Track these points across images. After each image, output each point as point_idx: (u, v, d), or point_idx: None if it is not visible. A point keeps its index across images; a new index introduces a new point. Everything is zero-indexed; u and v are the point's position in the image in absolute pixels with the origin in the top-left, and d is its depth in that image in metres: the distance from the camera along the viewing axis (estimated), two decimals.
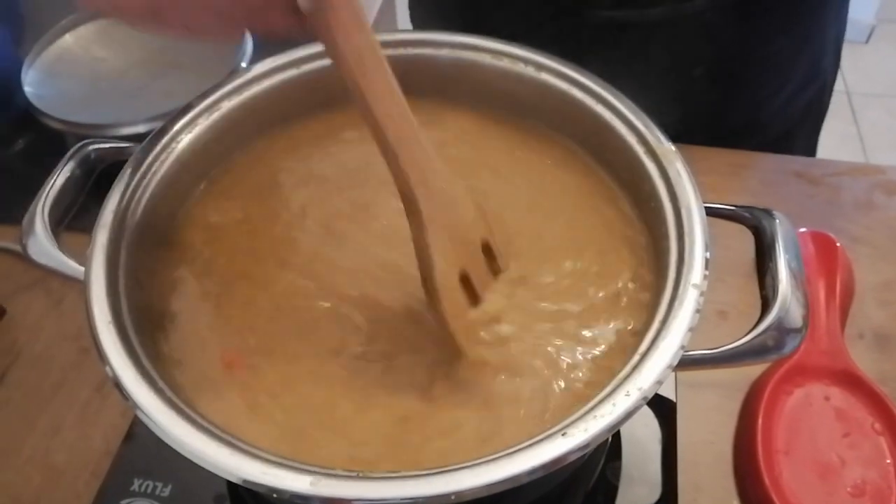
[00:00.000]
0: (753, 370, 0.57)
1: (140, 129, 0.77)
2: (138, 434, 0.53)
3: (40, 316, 0.65)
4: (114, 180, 0.43)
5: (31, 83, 0.82)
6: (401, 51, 0.50)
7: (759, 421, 0.53)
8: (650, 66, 0.71)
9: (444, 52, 0.50)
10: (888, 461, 0.52)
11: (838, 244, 0.62)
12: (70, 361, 0.62)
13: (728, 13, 0.68)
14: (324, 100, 0.51)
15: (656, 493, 0.51)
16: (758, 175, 0.71)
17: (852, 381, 0.55)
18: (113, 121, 0.78)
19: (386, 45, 0.50)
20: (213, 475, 0.33)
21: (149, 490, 0.49)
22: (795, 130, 0.83)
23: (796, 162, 0.73)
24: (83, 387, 0.60)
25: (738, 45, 0.72)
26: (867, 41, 2.23)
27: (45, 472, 0.56)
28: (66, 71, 0.85)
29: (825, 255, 0.61)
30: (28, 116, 0.79)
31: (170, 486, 0.49)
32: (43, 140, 0.81)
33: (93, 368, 0.61)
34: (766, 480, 0.50)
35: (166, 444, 0.33)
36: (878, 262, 0.64)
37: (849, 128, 2.00)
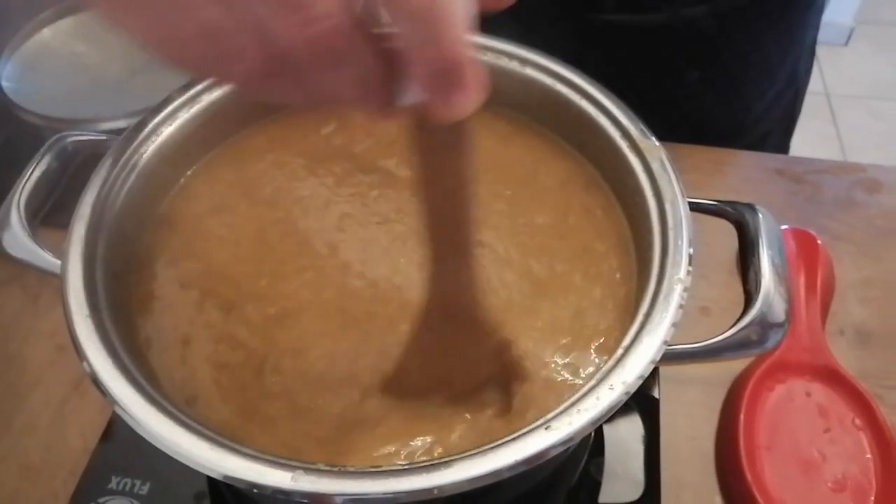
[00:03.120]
0: (735, 366, 0.58)
1: (120, 124, 0.76)
2: (116, 431, 0.52)
3: (16, 312, 0.64)
4: (91, 173, 0.42)
5: (9, 77, 0.81)
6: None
7: (741, 417, 0.53)
8: (647, 69, 0.71)
9: None
10: (868, 456, 0.53)
11: (819, 241, 0.62)
12: (47, 359, 0.61)
13: (726, 19, 0.69)
14: None
15: (639, 489, 0.51)
16: (740, 172, 0.71)
17: (833, 378, 0.56)
18: (92, 116, 0.77)
19: None
20: (192, 472, 0.32)
21: (127, 488, 0.48)
22: (772, 133, 0.83)
23: (778, 160, 0.73)
24: (60, 384, 0.59)
25: (732, 51, 0.73)
26: (846, 43, 2.25)
27: (22, 472, 0.55)
28: (44, 65, 0.84)
29: (806, 252, 0.61)
30: (5, 111, 0.78)
31: (148, 484, 0.48)
32: (20, 135, 0.80)
33: (70, 366, 0.61)
34: (749, 476, 0.51)
35: (144, 441, 0.33)
36: (858, 259, 0.65)
37: (828, 128, 2.01)
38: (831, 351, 0.57)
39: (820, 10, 0.78)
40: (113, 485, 0.48)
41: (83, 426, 0.57)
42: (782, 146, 0.87)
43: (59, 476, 0.54)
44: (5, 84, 0.79)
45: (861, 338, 0.60)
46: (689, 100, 0.75)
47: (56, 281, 0.66)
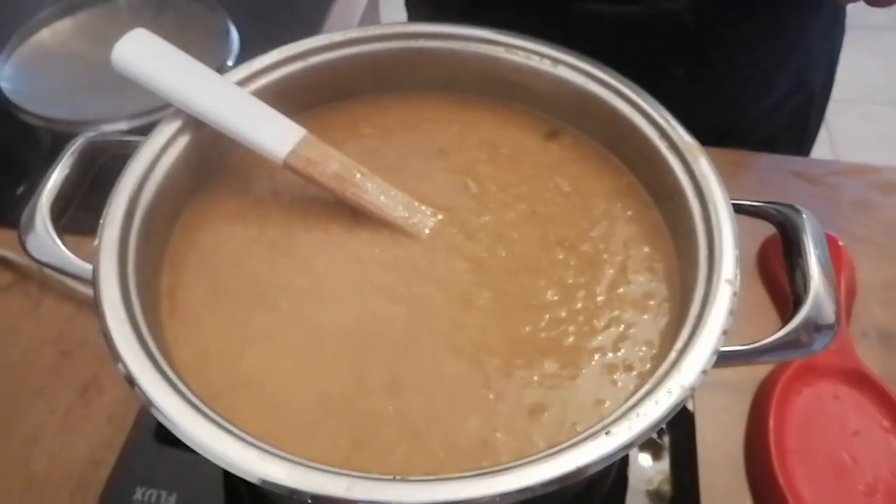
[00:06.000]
0: (761, 370, 0.57)
1: (122, 125, 0.75)
2: (138, 440, 0.50)
3: (17, 319, 0.62)
4: (114, 175, 0.41)
5: (7, 78, 0.79)
6: (411, 43, 0.49)
7: (771, 421, 0.53)
8: (630, 63, 0.71)
9: (456, 45, 0.49)
10: None
11: (841, 243, 0.62)
12: (50, 366, 0.59)
13: (709, 16, 0.69)
14: (333, 94, 0.49)
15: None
16: (756, 174, 0.71)
17: (861, 380, 0.55)
18: (92, 117, 0.76)
19: (396, 37, 0.49)
20: (220, 481, 0.31)
21: (152, 499, 0.46)
22: (777, 139, 0.83)
23: (794, 162, 0.73)
24: (65, 392, 0.57)
25: (718, 49, 0.72)
26: None
27: (26, 483, 0.53)
28: (43, 66, 0.82)
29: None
30: (3, 112, 0.76)
31: (175, 495, 0.46)
32: (19, 137, 0.78)
33: (75, 373, 0.59)
34: (781, 481, 0.50)
35: (169, 452, 0.32)
36: (878, 261, 0.64)
37: (820, 131, 2.02)
38: (858, 353, 0.57)
39: (830, 22, 0.78)
40: (138, 496, 0.46)
41: (90, 436, 0.55)
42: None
43: (66, 487, 0.52)
44: (4, 85, 0.78)
45: (884, 340, 0.60)
46: (675, 96, 0.75)
47: (59, 286, 0.64)
